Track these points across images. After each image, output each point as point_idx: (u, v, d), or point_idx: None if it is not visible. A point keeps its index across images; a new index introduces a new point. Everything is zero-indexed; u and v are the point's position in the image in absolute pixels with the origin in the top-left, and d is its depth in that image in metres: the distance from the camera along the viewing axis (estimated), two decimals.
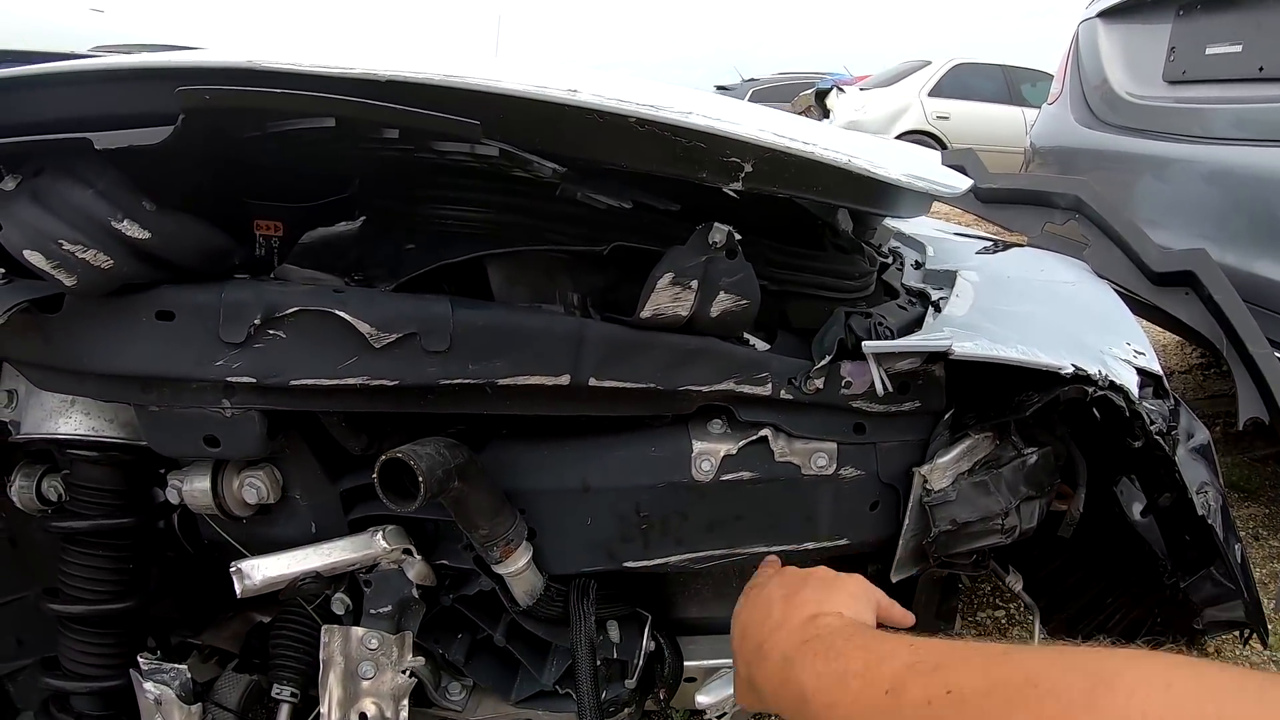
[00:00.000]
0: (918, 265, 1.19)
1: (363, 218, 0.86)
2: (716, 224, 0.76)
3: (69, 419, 0.85)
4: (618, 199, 0.70)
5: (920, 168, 0.98)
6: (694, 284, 0.77)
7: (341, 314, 0.71)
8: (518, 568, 0.83)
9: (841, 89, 8.06)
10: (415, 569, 0.84)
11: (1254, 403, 1.16)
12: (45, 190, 0.70)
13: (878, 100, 7.79)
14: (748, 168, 0.73)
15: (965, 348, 0.82)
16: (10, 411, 0.89)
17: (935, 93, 7.72)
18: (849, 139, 0.90)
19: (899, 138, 7.54)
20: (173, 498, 0.85)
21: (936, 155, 1.22)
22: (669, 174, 0.73)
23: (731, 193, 0.75)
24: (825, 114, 8.02)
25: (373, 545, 0.82)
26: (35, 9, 1.70)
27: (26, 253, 0.69)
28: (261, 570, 0.81)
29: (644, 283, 0.78)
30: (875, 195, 0.87)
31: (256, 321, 0.71)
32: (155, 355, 0.73)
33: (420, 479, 0.70)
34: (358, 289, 0.75)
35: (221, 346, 0.72)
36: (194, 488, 0.82)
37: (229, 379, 0.72)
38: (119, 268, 0.70)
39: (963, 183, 0.91)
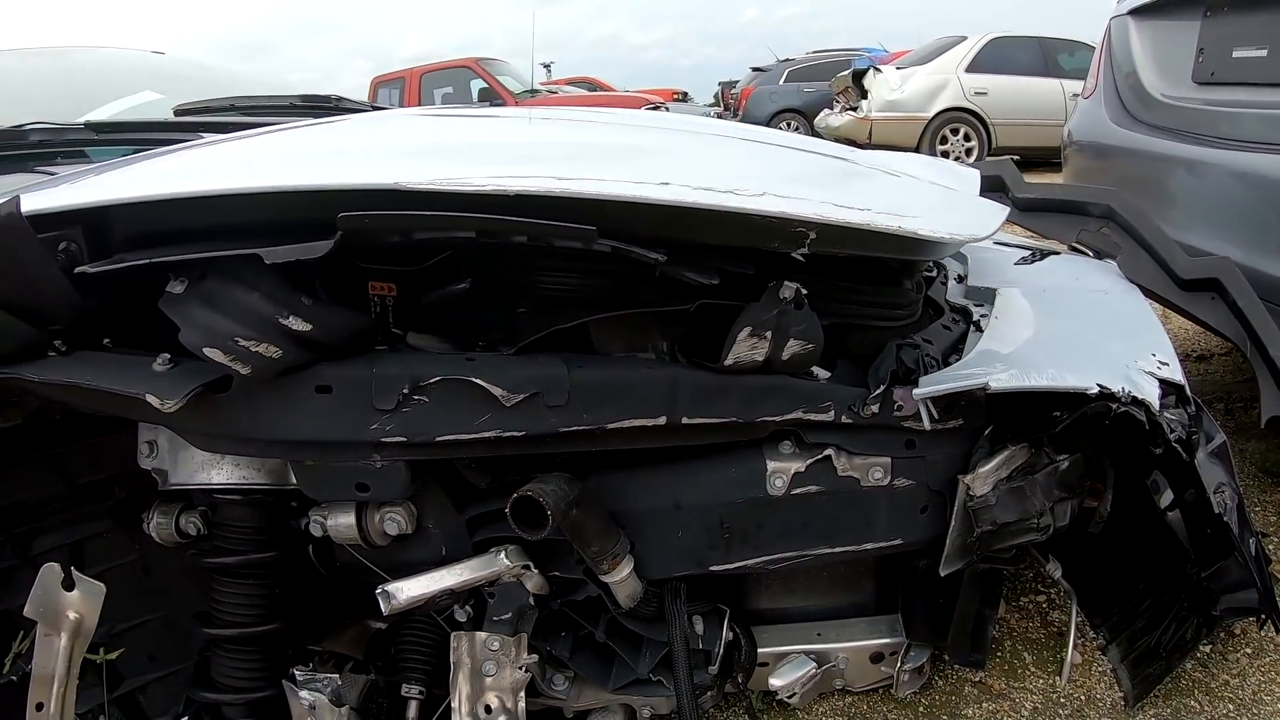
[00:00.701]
0: (960, 279, 1.32)
1: (469, 279, 1.00)
2: (786, 282, 0.91)
3: (220, 470, 1.01)
4: (706, 276, 0.85)
5: (964, 207, 1.11)
6: (768, 334, 0.92)
7: (478, 381, 0.86)
8: (622, 577, 0.99)
9: (878, 69, 8.03)
10: (533, 581, 1.01)
11: (1275, 402, 1.27)
12: (216, 294, 0.83)
13: (915, 79, 7.76)
14: (812, 235, 0.87)
15: (1000, 381, 0.96)
16: (152, 460, 1.04)
17: (973, 68, 7.66)
18: (901, 192, 1.03)
19: (938, 115, 7.46)
20: (315, 531, 1.00)
21: (975, 174, 1.34)
22: (747, 245, 0.88)
23: (799, 256, 0.89)
24: (863, 94, 7.99)
25: (497, 563, 0.99)
26: (104, 59, 1.83)
27: (206, 350, 0.82)
28: (406, 591, 0.98)
29: (722, 329, 0.93)
30: (922, 247, 1.00)
31: (405, 390, 0.86)
32: (316, 423, 0.88)
33: (549, 512, 0.87)
34: (487, 356, 0.90)
35: (374, 412, 0.87)
36: (339, 523, 0.98)
37: (382, 439, 0.88)
38: (286, 356, 0.84)
39: (995, 224, 1.04)
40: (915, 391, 0.94)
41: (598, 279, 0.92)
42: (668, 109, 8.40)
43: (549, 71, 15.93)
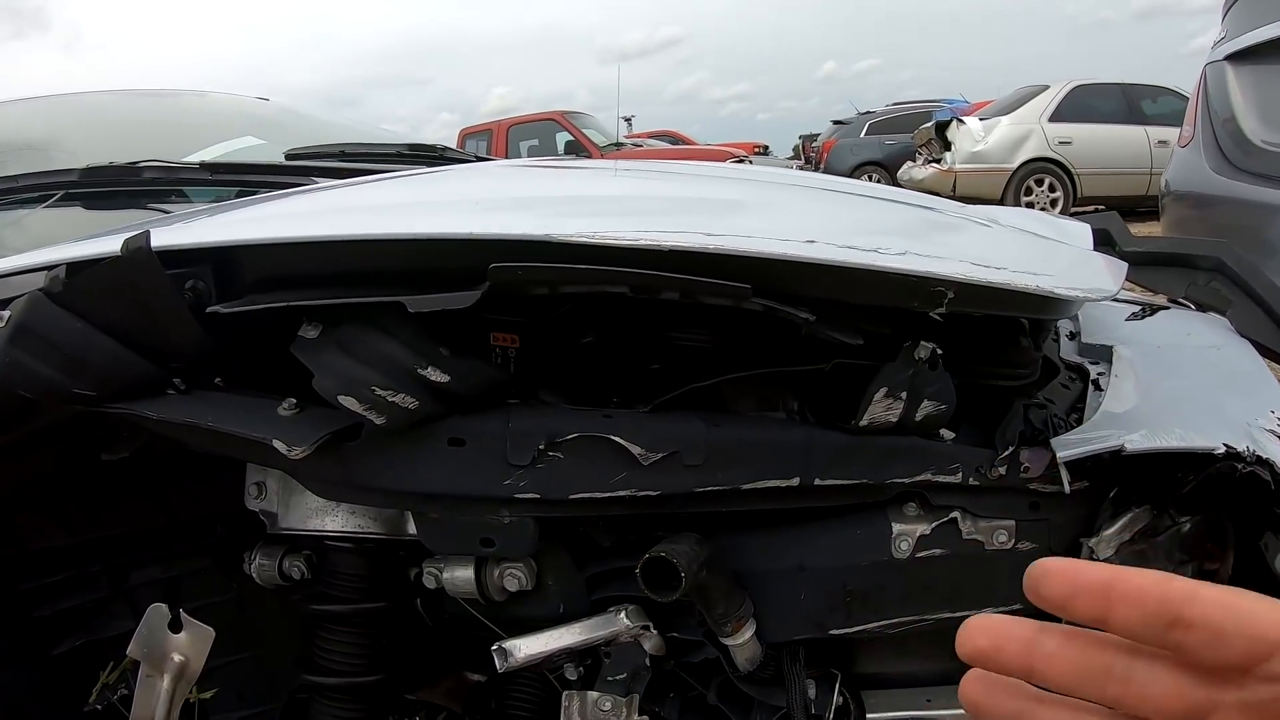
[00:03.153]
0: (1072, 336, 1.35)
1: (595, 333, 1.04)
2: (923, 342, 0.94)
3: (335, 518, 1.04)
4: (851, 336, 0.88)
5: (1090, 265, 1.14)
6: (903, 395, 0.94)
7: (616, 438, 0.89)
8: (744, 640, 1.01)
9: (961, 120, 8.25)
10: (651, 642, 1.03)
11: None
12: (353, 341, 0.85)
13: (998, 130, 7.95)
14: (951, 295, 0.90)
15: (1134, 443, 0.98)
16: (259, 502, 1.08)
17: (1055, 118, 7.88)
18: (1030, 249, 1.07)
19: (1022, 166, 7.59)
20: (429, 583, 1.02)
21: (1086, 229, 1.37)
22: (888, 304, 0.91)
23: (937, 316, 0.93)
24: (946, 146, 8.19)
25: (617, 623, 1.01)
26: (212, 104, 1.93)
27: (341, 398, 0.84)
28: (523, 649, 1.00)
29: (852, 388, 0.96)
30: (1054, 306, 1.04)
31: (541, 446, 0.89)
32: (447, 476, 0.90)
33: (682, 574, 0.89)
34: (624, 413, 0.93)
35: (508, 468, 0.89)
36: (456, 576, 1.00)
37: (515, 495, 0.91)
38: (422, 408, 0.86)
39: (1120, 281, 1.07)
40: (1060, 455, 0.97)
41: (732, 336, 0.95)
42: (751, 162, 8.70)
43: (630, 125, 16.55)
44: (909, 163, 9.32)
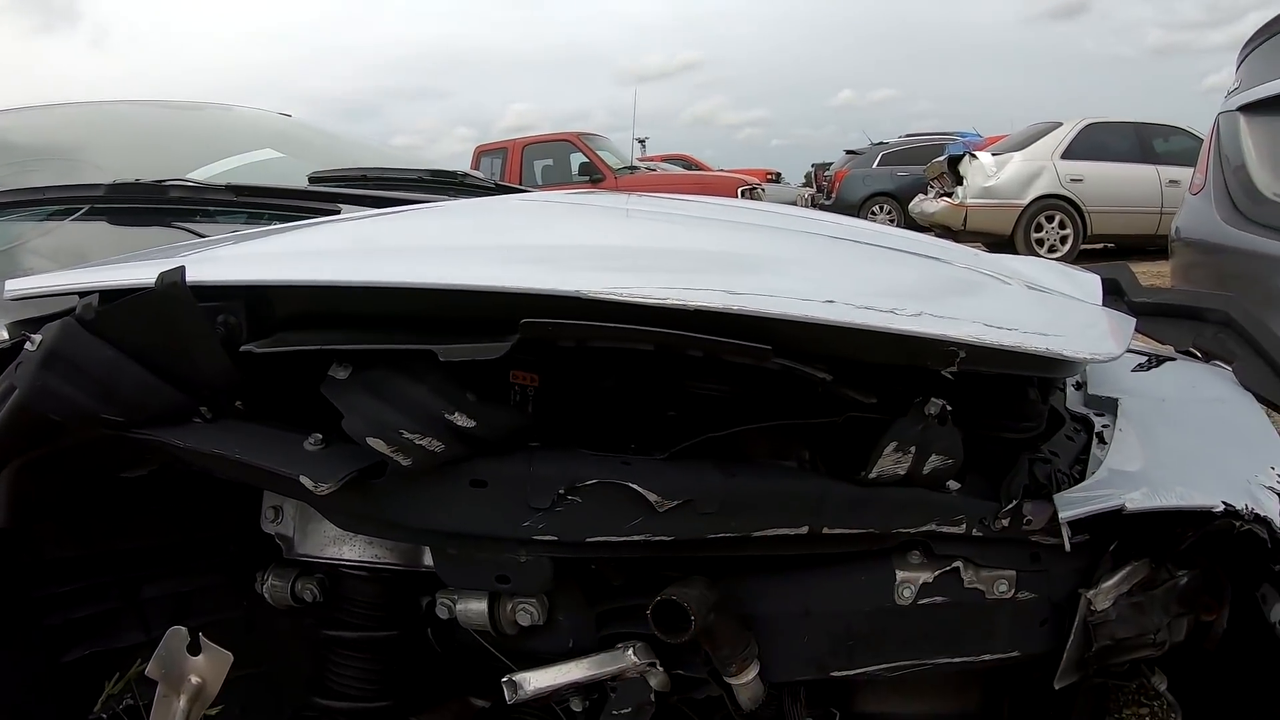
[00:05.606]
0: (1078, 386, 1.40)
1: (614, 377, 1.09)
2: (933, 399, 0.99)
3: (353, 547, 1.08)
4: (865, 395, 0.93)
5: (1099, 323, 1.19)
6: (912, 449, 0.99)
7: (634, 485, 0.94)
8: (748, 680, 1.05)
9: (974, 155, 8.38)
10: (657, 679, 1.07)
11: None
12: (382, 384, 0.90)
13: (1010, 165, 8.08)
14: (962, 354, 0.95)
15: (1135, 502, 1.03)
16: (275, 526, 1.12)
17: (1068, 155, 8.03)
18: (1042, 308, 1.12)
19: (1033, 202, 7.69)
20: (442, 614, 1.06)
21: (1095, 280, 1.42)
22: (900, 363, 0.96)
23: (948, 375, 0.98)
24: (958, 180, 8.31)
25: (624, 659, 1.05)
26: (236, 117, 1.98)
27: (369, 439, 0.89)
28: (533, 682, 1.04)
29: (863, 441, 1.01)
30: (1064, 366, 1.09)
31: (561, 490, 0.94)
32: (468, 516, 0.94)
33: (693, 618, 0.94)
34: (642, 460, 0.98)
35: (528, 510, 0.94)
36: (470, 609, 1.04)
37: (534, 537, 0.96)
38: (448, 451, 0.91)
39: (1127, 340, 1.12)
40: (1062, 515, 1.01)
41: (748, 387, 1.00)
42: (763, 190, 8.81)
43: (644, 147, 16.72)
44: (920, 195, 9.48)
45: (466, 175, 1.79)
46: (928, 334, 0.91)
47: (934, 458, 1.01)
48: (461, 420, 0.91)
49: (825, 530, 1.00)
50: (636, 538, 0.96)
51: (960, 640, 1.14)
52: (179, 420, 0.97)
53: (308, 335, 0.93)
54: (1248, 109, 1.92)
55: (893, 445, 0.98)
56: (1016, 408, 1.17)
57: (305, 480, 0.89)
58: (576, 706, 1.12)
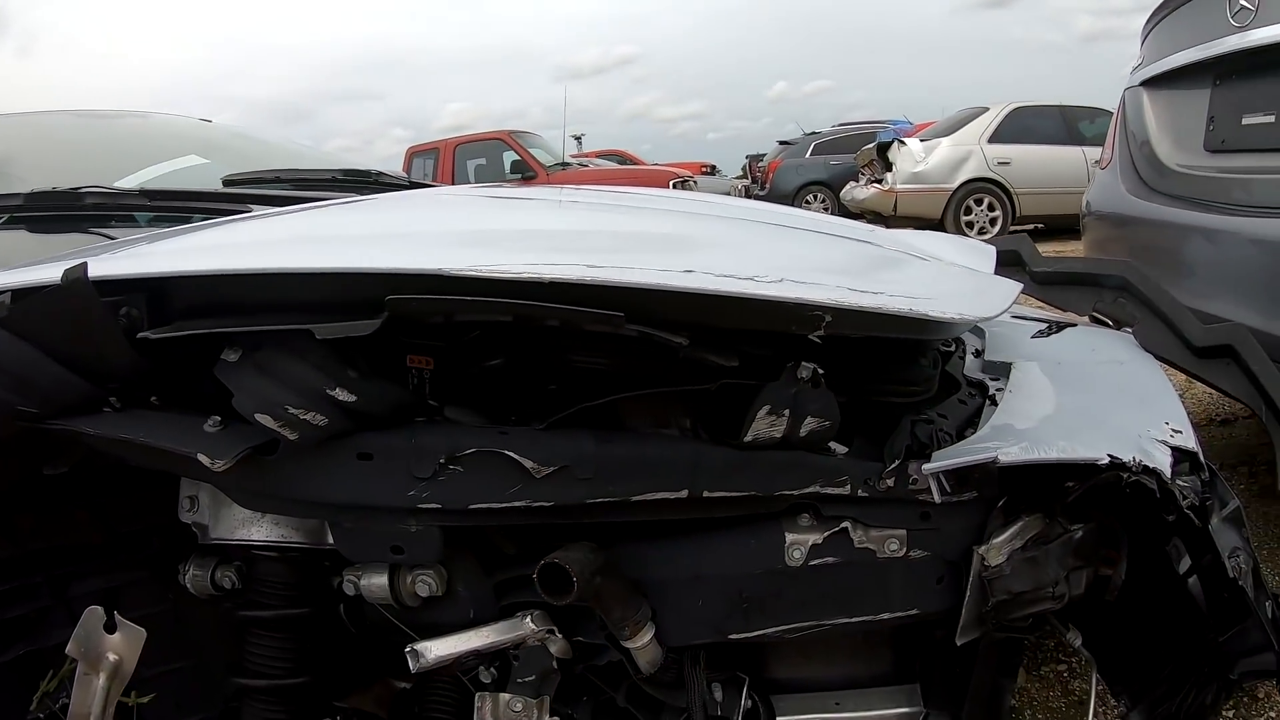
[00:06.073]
0: (977, 354, 1.43)
1: (504, 356, 1.12)
2: (804, 362, 1.02)
3: (260, 528, 1.12)
4: (726, 358, 0.96)
5: (978, 287, 1.22)
6: (786, 412, 1.02)
7: (510, 453, 0.97)
8: (643, 643, 1.08)
9: (902, 141, 8.52)
10: (557, 645, 1.10)
11: None
12: (268, 364, 0.95)
13: (938, 151, 8.22)
14: (828, 319, 0.98)
15: (1010, 455, 1.06)
16: (192, 515, 1.16)
17: (995, 139, 8.22)
18: (919, 274, 1.15)
19: (962, 186, 7.81)
20: (348, 590, 1.11)
21: (990, 251, 1.45)
22: (765, 329, 0.99)
23: (815, 339, 1.01)
24: (888, 167, 8.43)
25: (522, 627, 1.08)
26: (154, 125, 2.02)
27: (257, 415, 0.94)
28: (434, 651, 1.08)
29: (743, 407, 1.04)
30: (934, 327, 1.12)
31: (441, 460, 0.98)
32: (357, 488, 0.99)
33: (574, 580, 0.97)
34: (520, 430, 1.01)
35: (412, 480, 0.98)
36: (372, 583, 1.09)
37: (419, 506, 0.99)
38: (332, 425, 0.96)
39: (1005, 303, 1.15)
40: (925, 467, 1.04)
41: (625, 359, 1.03)
42: (695, 182, 8.87)
43: (580, 144, 16.78)
44: (852, 183, 9.61)
45: (381, 174, 1.83)
46: (788, 298, 0.94)
47: (809, 420, 1.04)
48: (343, 395, 0.95)
49: (705, 494, 1.03)
50: (518, 504, 0.99)
51: (857, 600, 1.17)
52: (90, 410, 1.01)
53: (201, 322, 0.97)
54: (1150, 83, 1.96)
55: (765, 408, 1.01)
56: (903, 373, 1.20)
57: (203, 457, 0.94)
58: (485, 678, 1.16)
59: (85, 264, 0.94)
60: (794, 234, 1.44)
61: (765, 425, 1.02)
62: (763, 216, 1.52)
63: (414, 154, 10.31)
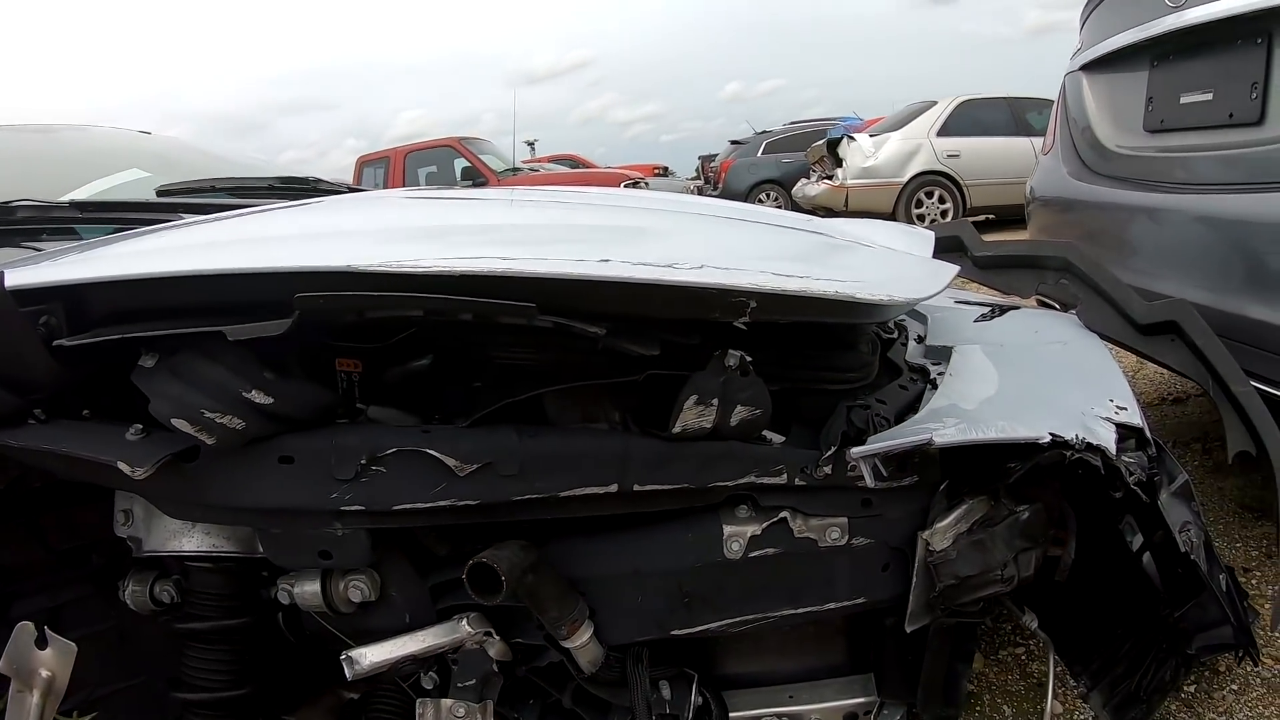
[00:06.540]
0: (920, 340, 1.41)
1: (431, 356, 1.10)
2: (730, 350, 1.00)
3: (191, 538, 1.10)
4: (647, 347, 0.94)
5: (911, 270, 1.21)
6: (714, 401, 1.00)
7: (432, 451, 0.95)
8: (582, 642, 1.06)
9: (852, 137, 8.59)
10: (495, 648, 1.08)
11: (1241, 437, 1.35)
12: (184, 368, 0.93)
13: (888, 145, 8.30)
14: (752, 304, 0.96)
15: (946, 436, 1.04)
16: (127, 529, 1.13)
17: (944, 132, 8.31)
18: (851, 257, 1.13)
19: (912, 179, 7.88)
20: (283, 599, 1.08)
21: (930, 236, 1.44)
22: (688, 317, 0.97)
23: (741, 325, 0.99)
24: (838, 163, 8.48)
25: (459, 630, 1.06)
26: (92, 138, 1.99)
27: (174, 420, 0.92)
28: (368, 657, 1.05)
29: (673, 399, 1.02)
30: (865, 310, 1.10)
31: (363, 461, 0.95)
32: (279, 492, 0.96)
33: (503, 578, 0.95)
34: (442, 428, 0.99)
35: (334, 482, 0.96)
36: (305, 590, 1.06)
37: (342, 508, 0.97)
38: (249, 428, 0.94)
39: (939, 284, 1.14)
40: (854, 450, 1.02)
41: (550, 353, 1.01)
42: (647, 184, 8.88)
43: (533, 149, 16.78)
44: (803, 180, 9.66)
45: (319, 181, 1.81)
46: (706, 283, 0.92)
47: (739, 409, 1.01)
48: (259, 398, 0.93)
49: (637, 487, 1.01)
50: (443, 503, 0.96)
51: (801, 591, 1.14)
52: (14, 422, 0.99)
53: (117, 328, 0.95)
54: (1089, 67, 1.96)
55: (693, 398, 0.99)
56: (840, 360, 1.18)
57: (122, 465, 0.92)
58: (427, 684, 1.13)
59: (1, 273, 0.92)
60: (726, 224, 1.42)
61: (694, 416, 1.00)
62: (701, 210, 1.50)
63: (364, 163, 10.24)
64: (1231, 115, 1.54)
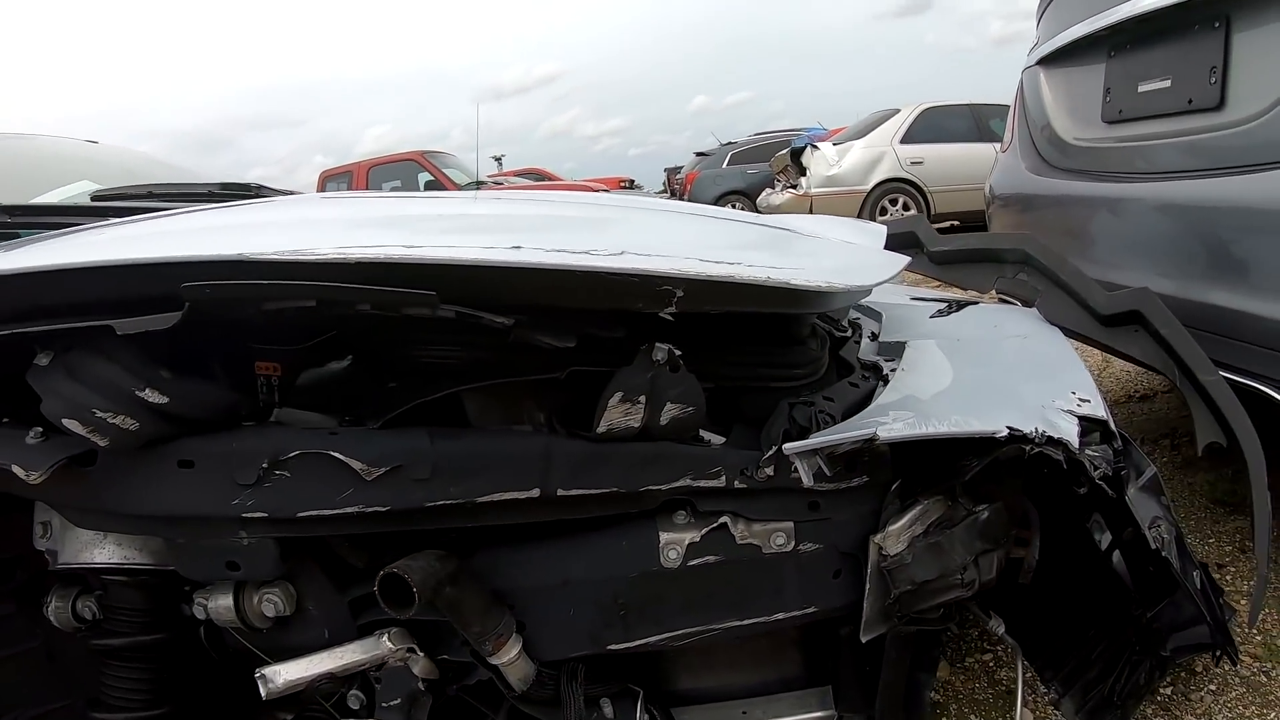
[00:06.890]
0: (874, 337, 1.36)
1: (350, 357, 1.04)
2: (658, 343, 0.94)
3: (103, 549, 1.04)
4: (561, 340, 0.88)
5: (855, 260, 1.15)
6: (642, 399, 0.94)
7: (336, 454, 0.88)
8: (510, 658, 0.99)
9: (815, 146, 8.66)
10: (419, 665, 1.01)
11: (1210, 428, 1.29)
12: (77, 366, 0.87)
13: (851, 154, 8.37)
14: (679, 293, 0.90)
15: (893, 431, 0.97)
16: (46, 541, 1.08)
17: (907, 139, 8.43)
18: (797, 248, 1.07)
19: (876, 187, 7.94)
20: (199, 614, 1.02)
21: (882, 230, 1.39)
22: (609, 308, 0.91)
23: (668, 316, 0.92)
24: (802, 172, 8.54)
25: (379, 646, 0.99)
26: (39, 147, 1.93)
27: (65, 420, 0.87)
28: (283, 675, 0.98)
29: (599, 396, 0.95)
30: (804, 300, 1.04)
31: (265, 465, 0.89)
32: (180, 498, 0.91)
33: (414, 589, 0.88)
34: (349, 430, 0.93)
35: (236, 487, 0.90)
36: (218, 605, 0.99)
37: (244, 515, 0.90)
38: (144, 429, 0.88)
39: (885, 274, 1.08)
40: (787, 446, 0.96)
41: (469, 350, 0.95)
42: (642, 187, 8.76)
43: (500, 164, 16.81)
44: (768, 189, 9.68)
45: (262, 187, 1.76)
46: (625, 269, 0.86)
47: (669, 407, 0.95)
48: (154, 397, 0.87)
49: (560, 492, 0.94)
50: (350, 509, 0.90)
51: (746, 601, 1.07)
52: None
53: (7, 325, 0.89)
54: (1046, 61, 1.93)
55: (618, 396, 0.93)
56: (784, 356, 1.12)
57: (16, 469, 0.88)
58: (353, 704, 1.06)
59: None
60: (680, 218, 1.36)
61: (620, 414, 0.94)
62: (659, 207, 1.44)
63: (328, 178, 10.20)
64: (1191, 101, 1.49)
